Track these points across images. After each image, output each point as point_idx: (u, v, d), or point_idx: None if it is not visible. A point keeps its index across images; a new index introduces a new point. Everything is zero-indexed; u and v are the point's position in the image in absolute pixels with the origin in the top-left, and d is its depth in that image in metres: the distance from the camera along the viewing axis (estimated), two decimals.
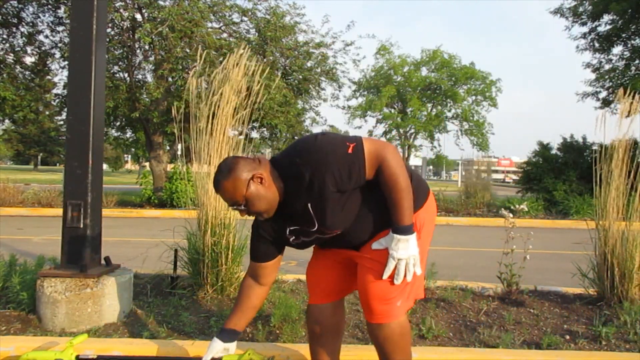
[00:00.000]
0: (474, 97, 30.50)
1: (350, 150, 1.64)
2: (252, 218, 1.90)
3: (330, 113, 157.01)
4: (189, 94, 3.26)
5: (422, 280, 1.93)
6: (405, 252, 1.69)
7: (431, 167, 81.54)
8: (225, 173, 1.71)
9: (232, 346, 2.01)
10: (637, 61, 13.99)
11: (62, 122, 14.57)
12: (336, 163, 1.64)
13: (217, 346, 1.97)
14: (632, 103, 3.30)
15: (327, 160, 1.64)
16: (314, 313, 2.01)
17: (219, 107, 3.21)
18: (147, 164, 15.02)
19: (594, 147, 12.06)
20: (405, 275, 1.72)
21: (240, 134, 3.46)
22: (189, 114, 3.28)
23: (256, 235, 1.92)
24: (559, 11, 14.67)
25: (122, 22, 10.51)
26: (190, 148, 3.31)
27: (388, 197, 1.70)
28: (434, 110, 31.17)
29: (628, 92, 3.34)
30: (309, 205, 1.72)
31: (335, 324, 2.03)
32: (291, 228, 1.84)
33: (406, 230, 1.69)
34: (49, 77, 12.30)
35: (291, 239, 1.88)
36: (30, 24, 11.39)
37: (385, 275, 1.73)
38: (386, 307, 1.76)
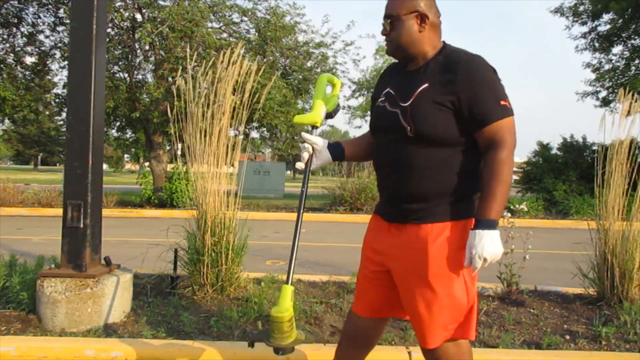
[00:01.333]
0: None
1: (502, 103, 1.55)
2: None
3: None
4: (186, 93, 3.25)
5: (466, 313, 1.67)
6: (490, 248, 1.49)
7: None
8: None
9: (324, 144, 1.92)
10: (637, 61, 14.00)
11: (62, 122, 14.58)
12: (481, 92, 1.55)
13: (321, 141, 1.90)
14: (631, 103, 3.29)
15: (481, 85, 1.56)
16: (352, 320, 1.90)
17: (217, 106, 3.21)
18: (147, 164, 15.01)
19: (594, 147, 12.08)
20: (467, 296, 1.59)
21: (240, 134, 3.46)
22: (188, 113, 3.28)
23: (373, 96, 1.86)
24: (559, 10, 14.68)
25: (122, 22, 10.51)
26: (189, 148, 3.30)
27: (485, 184, 1.54)
28: None
29: (628, 92, 3.34)
30: (423, 87, 1.61)
31: (369, 339, 1.93)
32: (391, 91, 1.71)
33: (492, 225, 1.51)
34: (49, 77, 12.30)
35: (380, 100, 1.75)
36: (31, 24, 11.40)
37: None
38: (443, 333, 1.63)
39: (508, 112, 1.57)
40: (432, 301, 1.59)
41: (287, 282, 1.71)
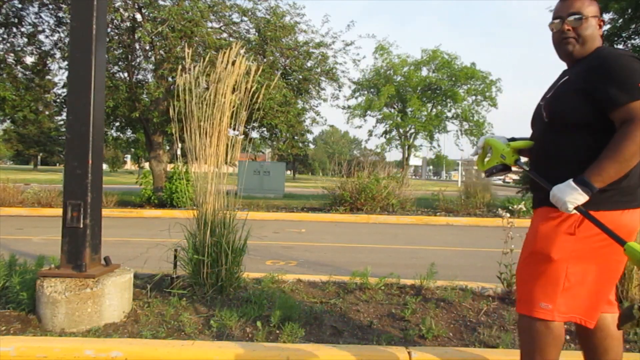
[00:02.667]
0: (474, 97, 30.50)
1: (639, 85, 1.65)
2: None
3: (330, 113, 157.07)
4: (186, 93, 3.25)
5: (580, 297, 1.77)
6: (570, 197, 1.66)
7: (431, 167, 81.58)
8: None
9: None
10: None
11: (62, 122, 14.56)
12: (615, 77, 1.70)
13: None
14: None
15: (614, 69, 1.71)
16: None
17: (217, 106, 3.21)
18: (147, 164, 15.01)
19: None
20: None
21: (241, 134, 3.46)
22: (190, 113, 3.28)
23: None
24: None
25: (122, 22, 10.51)
26: (189, 148, 3.31)
27: (606, 147, 1.67)
28: (434, 110, 31.16)
29: None
30: (565, 79, 1.86)
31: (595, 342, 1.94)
32: (548, 94, 1.94)
33: (585, 183, 1.66)
34: (48, 77, 12.29)
35: (542, 99, 1.98)
36: (31, 24, 11.40)
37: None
38: (524, 296, 1.83)
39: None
40: None
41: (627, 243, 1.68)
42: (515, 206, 3.96)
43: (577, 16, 1.83)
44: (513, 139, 2.06)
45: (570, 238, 1.75)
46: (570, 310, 1.77)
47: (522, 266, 1.88)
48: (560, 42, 1.88)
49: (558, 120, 1.82)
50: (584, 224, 1.74)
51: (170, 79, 10.75)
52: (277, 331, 2.72)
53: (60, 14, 11.04)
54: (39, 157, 56.33)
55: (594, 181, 1.66)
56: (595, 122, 1.73)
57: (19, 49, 11.44)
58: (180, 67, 10.05)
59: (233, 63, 3.24)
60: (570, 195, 1.67)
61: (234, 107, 3.32)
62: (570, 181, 1.68)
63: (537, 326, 1.79)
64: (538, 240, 1.81)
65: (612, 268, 1.80)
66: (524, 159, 2.01)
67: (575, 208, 1.68)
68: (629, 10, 12.75)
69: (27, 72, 11.71)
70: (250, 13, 11.38)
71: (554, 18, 1.90)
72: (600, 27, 1.86)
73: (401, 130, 31.83)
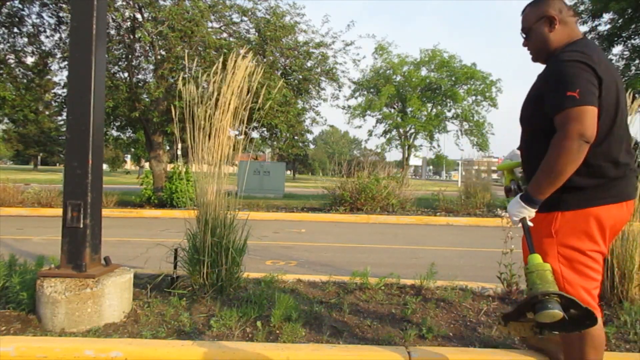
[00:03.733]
0: (474, 97, 30.48)
1: (569, 94, 1.70)
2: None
3: (330, 113, 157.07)
4: (187, 94, 3.25)
5: (575, 288, 1.85)
6: (516, 211, 1.83)
7: (431, 167, 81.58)
8: (532, 2, 2.01)
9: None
10: (637, 61, 14.00)
11: (62, 122, 14.56)
12: (551, 84, 1.79)
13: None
14: (632, 103, 3.29)
15: (553, 75, 1.81)
16: None
17: (217, 107, 3.21)
18: (147, 164, 15.01)
19: None
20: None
21: (241, 133, 3.46)
22: (189, 113, 3.28)
23: None
24: None
25: (123, 22, 10.51)
26: (190, 148, 3.31)
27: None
28: (434, 110, 31.15)
29: (628, 92, 3.33)
30: (534, 82, 1.98)
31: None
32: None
33: (528, 198, 1.81)
34: (49, 77, 12.29)
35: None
36: (32, 24, 11.40)
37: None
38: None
39: (578, 102, 1.70)
40: None
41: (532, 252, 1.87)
42: None
43: (524, 35, 2.02)
44: None
45: (552, 240, 1.86)
46: None
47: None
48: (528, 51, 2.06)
49: (525, 126, 1.95)
50: (559, 226, 1.85)
51: (170, 79, 10.74)
52: (277, 331, 2.72)
53: (62, 14, 11.04)
54: (39, 157, 56.32)
55: (534, 195, 1.79)
56: (552, 126, 1.76)
57: (20, 49, 11.45)
58: (180, 67, 10.09)
59: (238, 68, 3.23)
60: (516, 209, 1.84)
61: (235, 107, 3.32)
62: (518, 197, 1.85)
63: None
64: (536, 245, 1.90)
65: (599, 263, 1.88)
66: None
67: (522, 219, 1.85)
68: (629, 10, 12.74)
69: (27, 72, 11.71)
70: (250, 13, 11.37)
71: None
72: (552, 23, 1.92)
73: (401, 130, 31.82)
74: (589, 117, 1.68)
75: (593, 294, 1.87)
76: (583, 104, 1.68)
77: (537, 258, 1.82)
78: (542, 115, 1.80)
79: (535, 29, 1.95)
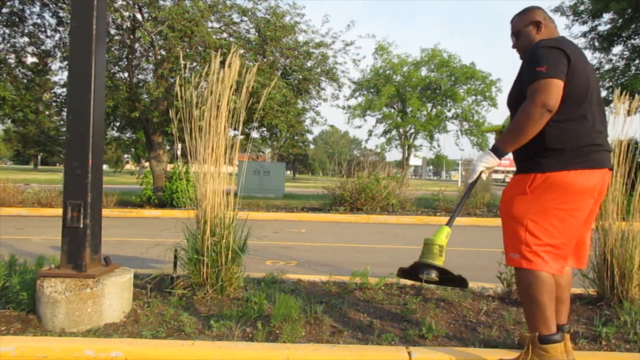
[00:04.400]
0: (473, 97, 30.50)
1: (538, 69, 2.03)
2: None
3: (330, 113, 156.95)
4: (186, 94, 3.25)
5: (536, 243, 2.12)
6: (484, 160, 2.17)
7: (431, 167, 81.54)
8: (521, 11, 2.37)
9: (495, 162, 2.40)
10: (637, 61, 13.99)
11: (62, 122, 14.56)
12: (525, 64, 2.17)
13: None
14: (631, 103, 3.29)
15: (528, 57, 2.15)
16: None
17: (217, 107, 3.21)
18: (147, 164, 15.01)
19: None
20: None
21: (242, 133, 3.45)
22: (189, 113, 3.28)
23: None
24: (559, 9, 14.66)
25: (123, 22, 10.51)
26: (189, 148, 3.30)
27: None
28: (434, 110, 31.16)
29: (626, 92, 3.33)
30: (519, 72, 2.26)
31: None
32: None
33: (496, 150, 2.15)
34: (48, 77, 12.29)
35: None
36: (32, 24, 11.40)
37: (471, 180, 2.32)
38: (505, 250, 2.26)
39: (546, 74, 2.01)
40: None
41: (447, 224, 2.25)
42: None
43: (514, 37, 2.38)
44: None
45: (526, 197, 2.13)
46: (537, 260, 2.10)
47: (503, 229, 2.27)
48: (518, 53, 2.40)
49: (510, 106, 2.27)
50: (535, 186, 2.11)
51: (170, 79, 10.74)
52: (277, 331, 2.71)
53: (61, 14, 11.04)
54: (39, 157, 56.33)
55: (501, 148, 2.13)
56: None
57: (20, 48, 11.44)
58: (180, 67, 10.09)
59: (229, 65, 3.23)
60: (483, 158, 2.18)
61: (233, 107, 3.32)
62: (487, 149, 2.18)
63: (526, 275, 2.14)
64: (503, 204, 2.24)
65: (568, 224, 2.11)
66: None
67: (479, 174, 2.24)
68: (629, 10, 12.74)
69: (27, 72, 11.71)
70: (250, 13, 11.37)
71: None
72: (538, 27, 2.28)
73: (401, 130, 31.83)
74: (554, 89, 1.99)
75: (563, 248, 2.14)
76: (549, 76, 1.99)
77: (439, 233, 2.31)
78: (523, 95, 2.09)
79: (524, 31, 2.31)
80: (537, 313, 2.13)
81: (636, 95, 3.29)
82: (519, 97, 2.14)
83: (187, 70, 9.17)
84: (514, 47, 2.38)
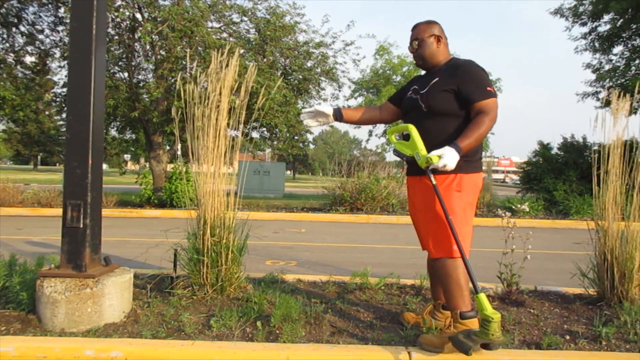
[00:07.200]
0: None
1: (489, 89, 2.43)
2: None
3: None
4: (186, 93, 3.25)
5: (462, 236, 2.43)
6: (448, 160, 2.32)
7: None
8: (425, 21, 2.66)
9: (329, 110, 2.91)
10: (637, 61, 13.98)
11: (62, 122, 14.56)
12: (473, 82, 2.45)
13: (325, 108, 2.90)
14: (631, 103, 3.29)
15: (472, 76, 2.47)
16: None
17: (216, 106, 3.21)
18: (147, 164, 15.01)
19: (594, 147, 12.06)
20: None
21: (242, 134, 3.45)
22: (189, 113, 3.27)
23: (402, 88, 2.86)
24: (559, 12, 14.65)
25: (122, 22, 10.50)
26: (189, 148, 3.30)
27: (467, 128, 2.40)
28: None
29: (625, 92, 3.33)
30: (435, 80, 2.54)
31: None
32: (415, 87, 2.66)
33: (458, 150, 2.34)
34: (48, 76, 12.29)
35: (409, 93, 2.69)
36: (31, 24, 11.39)
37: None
38: (438, 244, 2.52)
39: (493, 96, 2.45)
40: None
41: (476, 292, 2.29)
42: (518, 206, 3.96)
43: (415, 41, 2.64)
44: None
45: (461, 194, 2.47)
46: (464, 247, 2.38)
47: (429, 224, 2.55)
48: (414, 58, 2.71)
49: (435, 111, 2.50)
50: (464, 183, 2.48)
51: (170, 79, 10.74)
52: (277, 331, 2.71)
53: (60, 13, 11.04)
54: (39, 157, 56.33)
55: (462, 147, 2.36)
56: (459, 112, 2.47)
57: (19, 48, 11.44)
58: (180, 67, 10.09)
59: (227, 65, 3.23)
60: (455, 158, 2.35)
61: (233, 107, 3.32)
62: (452, 148, 2.35)
63: (451, 264, 2.47)
64: (437, 200, 2.42)
65: (472, 216, 2.56)
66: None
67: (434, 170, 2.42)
68: (629, 11, 12.74)
69: (27, 72, 11.71)
70: (250, 13, 11.37)
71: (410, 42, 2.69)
72: (439, 40, 2.61)
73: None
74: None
75: (470, 237, 2.54)
76: (495, 96, 2.44)
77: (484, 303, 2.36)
78: (454, 103, 2.46)
79: (427, 41, 2.60)
80: (457, 293, 2.45)
81: (636, 95, 3.28)
82: (446, 105, 2.48)
83: (188, 70, 9.17)
84: (412, 52, 2.66)
